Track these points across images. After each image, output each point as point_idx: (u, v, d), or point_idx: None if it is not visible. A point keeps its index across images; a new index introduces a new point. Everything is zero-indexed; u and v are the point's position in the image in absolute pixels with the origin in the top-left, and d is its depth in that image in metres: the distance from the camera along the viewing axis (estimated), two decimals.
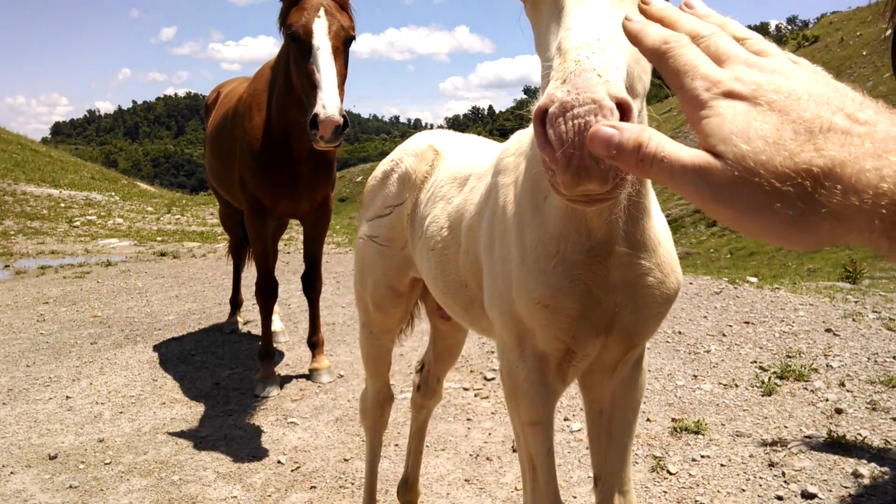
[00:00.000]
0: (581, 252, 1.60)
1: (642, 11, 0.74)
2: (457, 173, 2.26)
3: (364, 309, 2.72)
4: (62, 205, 17.54)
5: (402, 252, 2.47)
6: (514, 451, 3.86)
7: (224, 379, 5.23)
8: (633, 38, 0.70)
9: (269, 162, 4.60)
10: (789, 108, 0.59)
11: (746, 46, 0.67)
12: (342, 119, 3.83)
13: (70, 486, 3.63)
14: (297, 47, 4.09)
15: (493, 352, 5.46)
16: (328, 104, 3.81)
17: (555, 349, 1.72)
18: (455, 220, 2.11)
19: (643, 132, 0.65)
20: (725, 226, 0.68)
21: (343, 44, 4.14)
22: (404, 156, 2.54)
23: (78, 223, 15.15)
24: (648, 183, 1.61)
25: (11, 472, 3.80)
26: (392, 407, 3.01)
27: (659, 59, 0.67)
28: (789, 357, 5.03)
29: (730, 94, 0.61)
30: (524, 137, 1.85)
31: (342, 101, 3.93)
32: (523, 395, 1.77)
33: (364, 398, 2.98)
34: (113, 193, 20.72)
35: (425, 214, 2.28)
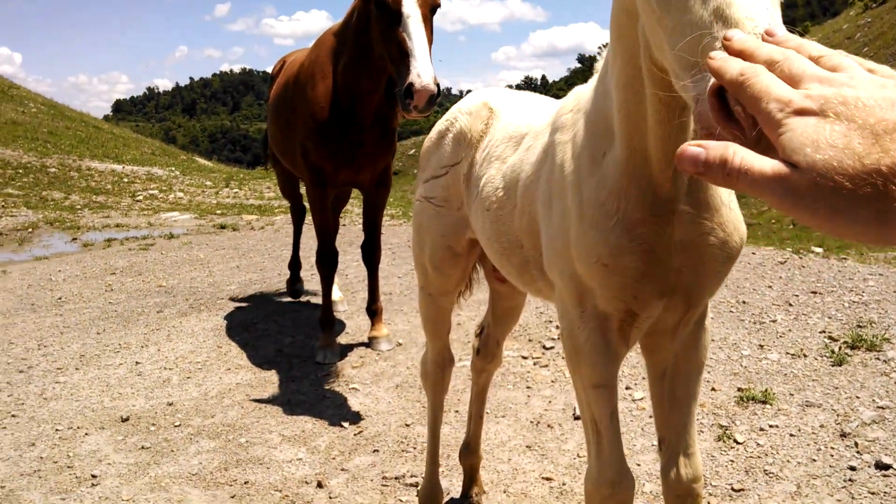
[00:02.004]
0: (643, 210, 1.56)
1: (725, 48, 0.78)
2: (512, 132, 2.22)
3: (423, 271, 2.71)
4: (125, 180, 18.00)
5: (459, 212, 2.45)
6: (576, 418, 3.84)
7: (286, 346, 5.33)
8: (716, 74, 0.75)
9: (332, 131, 4.59)
10: (855, 115, 0.64)
11: (822, 63, 0.72)
12: (436, 87, 3.79)
13: (142, 447, 3.76)
14: (384, 15, 3.98)
15: (551, 321, 5.43)
16: (423, 73, 3.75)
17: (616, 309, 1.69)
18: (511, 180, 2.08)
19: (727, 148, 0.70)
20: (817, 231, 0.72)
21: (430, 11, 4.07)
22: (459, 115, 2.51)
23: (141, 197, 15.55)
24: None
25: (86, 434, 3.94)
26: (452, 371, 3.00)
27: (738, 89, 0.72)
28: (860, 327, 4.87)
29: (801, 112, 0.66)
30: (583, 93, 1.80)
31: (433, 69, 3.87)
32: (585, 356, 1.74)
33: (424, 361, 2.99)
34: (173, 168, 21.17)
35: (481, 175, 2.26)
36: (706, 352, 1.91)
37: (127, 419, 4.09)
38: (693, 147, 0.72)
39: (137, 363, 5.00)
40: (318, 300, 6.22)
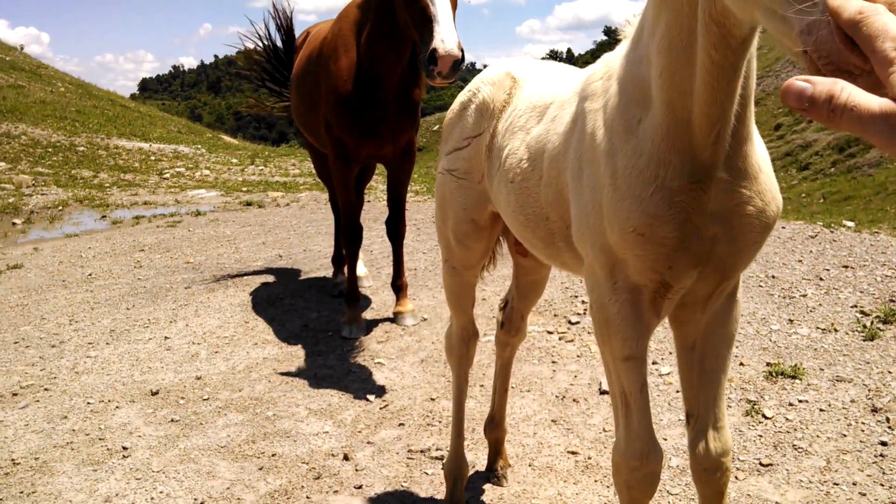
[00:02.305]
0: (683, 177, 1.53)
1: None
2: (536, 102, 2.18)
3: (446, 245, 2.70)
4: (152, 158, 18.16)
5: (480, 185, 2.43)
6: (602, 393, 3.82)
7: (312, 321, 5.36)
8: (834, 12, 0.73)
9: (356, 104, 4.57)
10: None
11: None
12: (460, 53, 3.73)
13: (171, 420, 3.81)
14: None
15: (577, 296, 5.40)
16: (447, 38, 3.69)
17: (650, 280, 1.66)
18: (536, 151, 2.04)
19: (835, 84, 0.69)
20: None
21: None
22: (482, 85, 2.48)
23: (168, 175, 15.68)
24: (751, 107, 1.54)
25: (117, 407, 4.01)
26: (477, 346, 2.99)
27: (855, 28, 0.70)
28: (892, 301, 4.78)
29: None
30: (612, 60, 1.76)
31: (457, 34, 3.81)
32: (616, 329, 1.72)
33: (449, 335, 2.98)
34: (199, 146, 21.30)
35: (503, 145, 2.22)
36: (737, 325, 1.88)
37: (156, 393, 4.15)
38: (799, 82, 0.71)
39: (166, 338, 5.07)
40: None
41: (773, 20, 0.97)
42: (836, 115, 0.68)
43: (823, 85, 0.69)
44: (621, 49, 1.74)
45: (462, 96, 2.57)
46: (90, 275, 7.03)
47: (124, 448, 3.55)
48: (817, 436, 3.25)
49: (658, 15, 1.45)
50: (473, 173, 2.44)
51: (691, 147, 1.51)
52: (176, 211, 11.15)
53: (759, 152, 1.64)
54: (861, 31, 0.69)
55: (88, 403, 4.06)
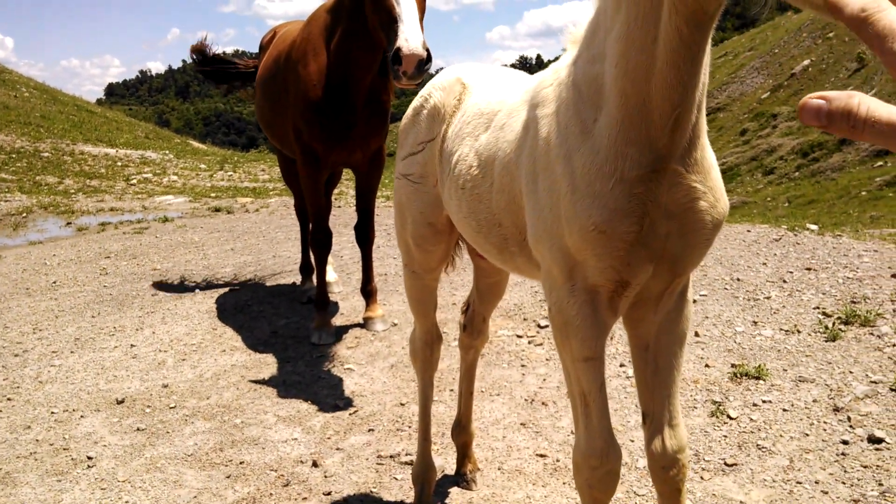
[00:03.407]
0: (640, 167, 1.55)
1: None
2: (484, 109, 2.20)
3: (405, 249, 2.72)
4: (119, 163, 17.92)
5: (435, 189, 2.45)
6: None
7: (281, 328, 5.33)
8: (834, 7, 0.71)
9: (325, 110, 4.54)
10: None
11: None
12: (426, 53, 3.70)
13: (137, 429, 3.76)
14: None
15: (546, 300, 5.43)
16: (411, 38, 3.66)
17: (607, 280, 1.68)
18: (486, 158, 2.06)
19: (852, 99, 0.67)
20: None
21: None
22: (433, 90, 2.51)
23: (135, 181, 15.48)
24: (705, 100, 1.56)
25: (82, 416, 3.95)
26: (442, 348, 3.00)
27: (860, 26, 0.68)
28: (854, 303, 4.88)
29: None
30: (561, 68, 1.78)
31: (423, 35, 3.79)
32: (575, 330, 1.73)
33: (413, 340, 2.99)
34: (167, 152, 21.06)
35: (453, 151, 2.25)
36: (689, 323, 1.92)
37: (122, 401, 4.09)
38: (815, 100, 0.69)
39: (132, 346, 5.00)
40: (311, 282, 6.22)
41: None
42: (857, 131, 0.66)
43: (839, 100, 0.68)
44: (569, 56, 1.77)
45: (416, 101, 2.61)
46: (55, 282, 6.91)
47: (89, 458, 3.49)
48: (781, 435, 3.30)
49: (619, 3, 1.46)
50: (428, 177, 2.47)
51: (648, 137, 1.52)
52: (143, 217, 11.02)
53: (709, 149, 1.68)
54: (867, 31, 0.68)
55: (52, 413, 3.99)
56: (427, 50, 3.70)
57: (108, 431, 3.76)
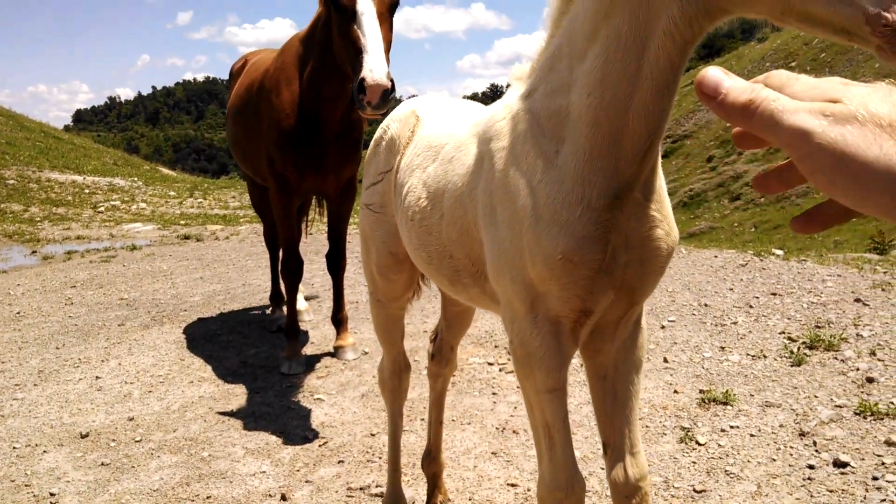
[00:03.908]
0: (606, 196, 1.56)
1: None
2: (432, 141, 2.24)
3: (371, 278, 2.74)
4: (86, 191, 17.72)
5: (394, 219, 2.48)
6: None
7: (250, 357, 5.27)
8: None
9: (298, 139, 4.55)
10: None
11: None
12: (390, 83, 3.74)
13: (102, 464, 3.69)
14: (340, 14, 3.97)
15: None
16: (375, 68, 3.71)
17: (571, 309, 1.68)
18: (435, 190, 2.07)
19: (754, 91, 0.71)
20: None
21: (388, 10, 4.03)
22: (391, 122, 2.56)
23: (102, 208, 15.31)
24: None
25: (44, 451, 3.86)
26: (413, 376, 3.00)
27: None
28: (818, 327, 4.96)
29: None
30: (513, 102, 1.80)
31: (388, 66, 3.84)
32: (539, 362, 1.74)
33: (381, 369, 2.99)
34: (136, 179, 20.89)
35: (403, 183, 2.28)
36: (644, 350, 1.94)
37: (86, 435, 4.01)
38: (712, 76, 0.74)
39: (98, 378, 4.91)
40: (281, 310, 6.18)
41: (825, 5, 1.03)
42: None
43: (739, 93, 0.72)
44: (518, 90, 1.79)
45: (377, 133, 2.66)
46: (18, 313, 6.78)
47: (52, 494, 3.41)
48: (748, 461, 3.33)
49: (594, 33, 1.47)
50: (387, 207, 2.50)
51: (616, 165, 1.54)
52: (110, 245, 10.89)
53: (662, 177, 1.71)
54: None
55: (14, 448, 3.90)
56: (391, 80, 3.74)
57: (71, 466, 3.68)
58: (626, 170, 1.55)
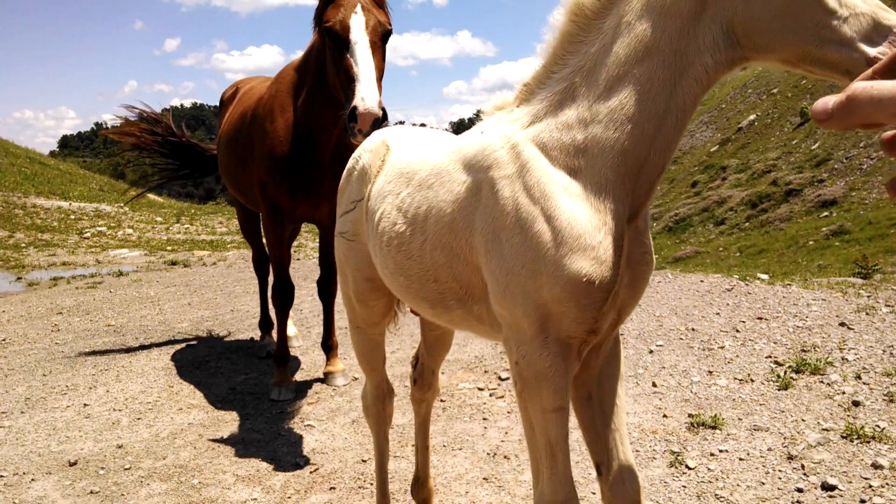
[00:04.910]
0: (622, 223, 1.71)
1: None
2: (402, 167, 2.29)
3: (349, 306, 2.79)
4: (72, 217, 17.64)
5: (367, 246, 2.54)
6: None
7: (239, 384, 5.26)
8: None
9: (291, 166, 4.58)
10: None
11: None
12: (381, 111, 3.78)
13: (91, 492, 3.66)
14: (334, 43, 4.03)
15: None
16: (367, 97, 3.76)
17: (583, 330, 1.76)
18: (414, 215, 2.11)
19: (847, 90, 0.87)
20: None
21: (381, 39, 4.10)
22: (363, 152, 2.63)
23: (88, 234, 15.24)
24: None
25: (32, 479, 3.82)
26: (394, 401, 3.04)
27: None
28: (804, 351, 5.02)
29: None
30: (510, 132, 1.85)
31: (380, 94, 3.89)
32: (548, 382, 1.78)
33: (364, 395, 3.02)
34: (122, 204, 20.81)
35: (375, 209, 2.33)
36: (623, 361, 2.07)
37: (75, 463, 3.98)
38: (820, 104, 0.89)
39: (85, 405, 4.88)
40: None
41: (835, 50, 1.40)
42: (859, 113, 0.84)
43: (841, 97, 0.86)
44: (509, 120, 1.86)
45: (350, 162, 2.72)
46: (4, 340, 6.73)
47: None
48: (738, 485, 3.36)
49: (624, 75, 1.65)
50: (360, 235, 2.56)
51: (633, 195, 1.70)
52: (97, 272, 10.84)
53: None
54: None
55: (1, 477, 3.86)
56: (383, 109, 3.80)
57: (60, 495, 3.65)
58: (639, 198, 1.71)
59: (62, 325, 7.26)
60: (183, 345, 6.34)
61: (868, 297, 6.53)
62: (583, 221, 1.68)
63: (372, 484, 3.63)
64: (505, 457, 3.84)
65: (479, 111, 2.12)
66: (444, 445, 3.99)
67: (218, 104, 6.63)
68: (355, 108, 3.74)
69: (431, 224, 2.04)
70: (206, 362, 5.78)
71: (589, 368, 1.97)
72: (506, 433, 4.12)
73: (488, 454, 3.88)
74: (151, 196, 29.34)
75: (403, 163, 2.32)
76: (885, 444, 3.58)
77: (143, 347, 6.30)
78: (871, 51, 1.38)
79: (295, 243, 12.36)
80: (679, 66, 1.61)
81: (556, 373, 1.77)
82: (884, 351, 4.89)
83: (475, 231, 1.88)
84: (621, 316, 1.87)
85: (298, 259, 11.15)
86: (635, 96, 1.64)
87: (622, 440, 1.96)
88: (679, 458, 3.62)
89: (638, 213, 1.74)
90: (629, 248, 1.75)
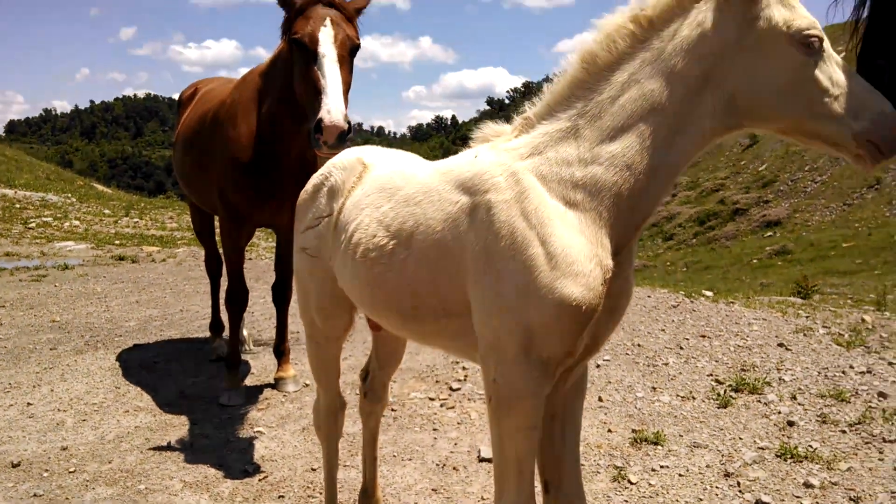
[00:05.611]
0: (612, 256, 1.84)
1: None
2: (384, 183, 2.35)
3: (309, 320, 2.82)
4: (17, 206, 17.16)
5: (330, 262, 2.58)
6: (481, 461, 3.93)
7: (188, 387, 5.22)
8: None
9: (252, 172, 4.56)
10: None
11: None
12: (347, 125, 3.81)
13: (34, 495, 3.60)
14: (302, 55, 4.04)
15: (458, 362, 5.54)
16: (333, 109, 3.78)
17: (564, 352, 1.85)
18: (397, 229, 2.17)
19: None
20: None
21: (349, 53, 4.12)
22: (333, 170, 2.68)
23: (33, 225, 14.85)
24: None
25: None
26: (346, 414, 3.09)
27: None
28: (744, 370, 5.21)
29: None
30: (507, 161, 1.93)
31: (346, 108, 3.91)
32: (527, 400, 1.87)
33: (317, 410, 3.06)
34: (69, 195, 20.32)
35: (349, 220, 2.38)
36: (586, 381, 2.20)
37: (18, 465, 3.91)
38: None
39: (29, 404, 4.79)
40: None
41: (826, 124, 1.66)
42: None
43: None
44: (507, 149, 1.94)
45: (315, 179, 2.76)
46: None
47: None
48: (676, 500, 3.48)
49: (630, 126, 1.81)
50: (324, 251, 2.60)
51: (624, 232, 1.85)
52: (41, 264, 10.58)
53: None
54: None
55: None
56: (349, 122, 3.83)
57: (1, 497, 3.58)
58: (625, 238, 1.86)
59: (4, 320, 7.08)
60: (130, 344, 6.26)
61: (807, 317, 6.80)
62: (576, 249, 1.79)
63: (321, 493, 3.66)
64: (454, 468, 3.90)
65: (468, 135, 2.20)
66: (394, 455, 4.03)
67: (175, 98, 6.55)
68: (321, 120, 3.77)
69: (417, 240, 2.09)
70: (154, 364, 5.72)
71: (558, 390, 2.06)
72: (455, 444, 4.19)
73: (437, 465, 3.94)
74: (100, 187, 28.71)
75: (385, 178, 2.37)
76: (816, 463, 3.75)
77: (88, 346, 6.20)
78: (857, 125, 1.62)
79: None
80: (679, 127, 1.77)
81: (533, 392, 1.86)
82: (819, 372, 5.10)
83: (466, 250, 1.94)
84: (597, 342, 1.98)
85: (251, 259, 11.05)
86: (636, 147, 1.79)
87: (576, 460, 2.05)
88: (622, 472, 3.73)
89: (620, 251, 1.87)
90: (612, 281, 1.86)
